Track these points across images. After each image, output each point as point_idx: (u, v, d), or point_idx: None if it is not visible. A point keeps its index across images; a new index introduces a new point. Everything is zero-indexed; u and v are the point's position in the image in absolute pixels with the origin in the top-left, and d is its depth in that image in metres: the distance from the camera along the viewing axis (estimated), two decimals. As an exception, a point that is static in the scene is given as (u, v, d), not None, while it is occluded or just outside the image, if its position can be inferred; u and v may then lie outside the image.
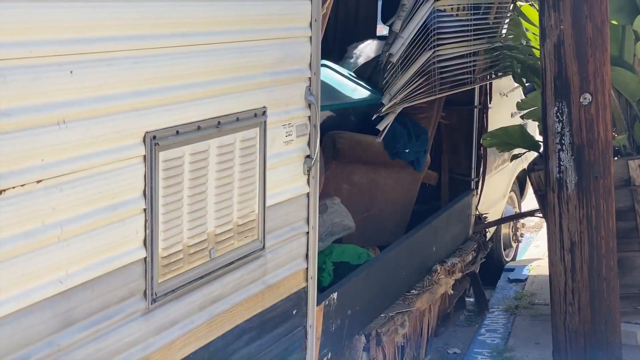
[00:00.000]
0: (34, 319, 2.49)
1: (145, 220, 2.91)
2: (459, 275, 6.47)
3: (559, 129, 5.45)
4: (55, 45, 2.48)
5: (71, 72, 2.53)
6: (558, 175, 5.50)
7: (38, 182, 2.44)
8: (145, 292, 2.93)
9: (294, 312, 3.94)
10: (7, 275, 2.39)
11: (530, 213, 8.33)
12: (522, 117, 7.31)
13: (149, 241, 2.93)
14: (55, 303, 2.56)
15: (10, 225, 2.38)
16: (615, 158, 5.87)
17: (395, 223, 6.20)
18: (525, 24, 7.17)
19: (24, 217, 2.42)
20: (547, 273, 6.03)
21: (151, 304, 2.96)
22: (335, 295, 4.54)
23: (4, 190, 2.33)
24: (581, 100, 5.38)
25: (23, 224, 2.42)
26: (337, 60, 5.99)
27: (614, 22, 5.97)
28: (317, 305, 4.15)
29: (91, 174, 2.66)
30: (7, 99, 2.33)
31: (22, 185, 2.39)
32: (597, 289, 5.50)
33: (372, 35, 6.97)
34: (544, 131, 5.79)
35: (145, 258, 2.92)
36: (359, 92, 5.49)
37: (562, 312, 5.59)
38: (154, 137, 2.89)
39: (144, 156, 2.87)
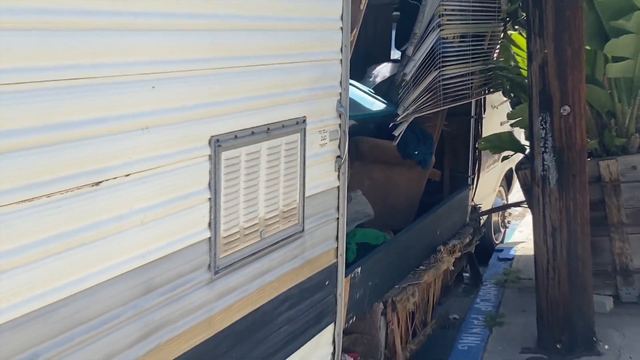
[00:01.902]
0: (122, 286, 2.51)
1: (210, 207, 2.92)
2: (458, 254, 6.44)
3: (543, 135, 5.46)
4: (140, 66, 2.50)
5: (153, 87, 2.56)
6: (542, 173, 5.50)
7: (127, 175, 2.47)
8: (209, 265, 2.94)
9: (326, 283, 3.93)
10: (103, 250, 2.41)
11: (517, 204, 8.28)
12: (511, 125, 7.28)
13: (213, 224, 2.93)
14: (138, 274, 2.58)
15: (105, 211, 2.40)
16: (589, 159, 5.85)
17: (406, 211, 6.18)
18: (514, 48, 7.14)
19: (115, 204, 2.44)
20: (531, 253, 6.03)
21: (214, 275, 2.97)
22: (358, 269, 4.54)
23: (100, 182, 2.35)
24: (561, 111, 5.38)
25: (115, 209, 2.44)
26: (359, 79, 5.98)
27: (588, 47, 5.94)
28: (345, 278, 4.14)
29: (167, 170, 2.68)
30: (103, 109, 2.35)
31: (114, 178, 2.41)
32: (574, 267, 5.50)
33: (387, 58, 6.95)
34: (530, 136, 5.80)
35: (209, 238, 2.93)
36: (377, 105, 5.47)
37: (545, 285, 5.59)
38: (217, 140, 2.90)
39: (209, 155, 2.88)
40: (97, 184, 2.35)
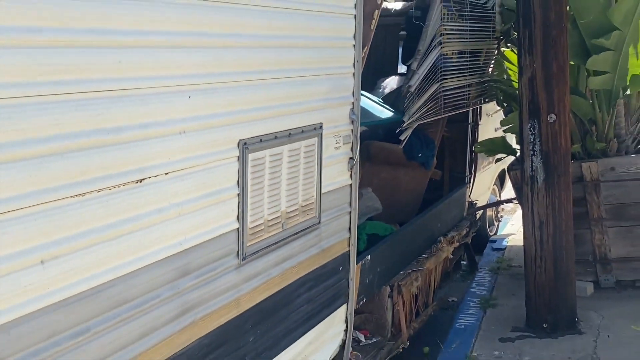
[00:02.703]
0: (162, 270, 2.53)
1: (238, 202, 2.93)
2: (456, 244, 6.45)
3: (532, 140, 5.44)
4: (178, 79, 2.52)
5: (189, 97, 2.57)
6: (531, 173, 5.49)
7: (166, 174, 2.48)
8: (237, 252, 2.95)
9: (340, 269, 3.93)
10: (145, 239, 2.43)
11: (509, 200, 8.26)
12: (503, 131, 7.26)
13: (241, 216, 2.94)
14: (176, 259, 2.59)
15: (148, 204, 2.42)
16: (573, 161, 5.83)
17: (411, 207, 6.18)
18: (506, 63, 7.12)
19: (156, 198, 2.46)
20: (521, 244, 6.02)
21: (242, 261, 2.98)
22: (368, 257, 4.55)
23: (143, 179, 2.37)
24: (548, 119, 5.37)
25: (155, 203, 2.46)
26: (369, 90, 5.99)
27: (572, 62, 5.92)
28: (356, 264, 4.14)
29: (201, 169, 2.68)
30: (146, 116, 2.37)
31: (156, 176, 2.43)
32: (559, 256, 5.49)
33: (394, 72, 6.94)
34: (520, 141, 5.79)
35: (238, 228, 2.93)
36: (385, 113, 5.47)
37: (533, 272, 5.58)
38: (245, 143, 2.91)
39: (238, 157, 2.89)
40: (141, 181, 2.37)
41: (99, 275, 2.24)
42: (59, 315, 2.12)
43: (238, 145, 2.89)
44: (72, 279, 2.14)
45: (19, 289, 1.96)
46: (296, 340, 3.51)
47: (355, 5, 3.74)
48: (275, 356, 3.33)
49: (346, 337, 4.08)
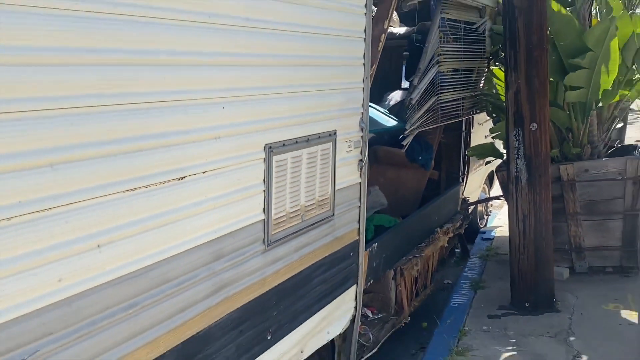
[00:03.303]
0: (199, 254, 2.54)
1: (264, 197, 2.92)
2: (451, 234, 6.40)
3: (517, 145, 5.43)
4: (214, 93, 2.53)
5: (223, 108, 2.58)
6: (515, 174, 5.48)
7: (203, 172, 2.49)
8: (263, 239, 2.96)
9: (351, 254, 3.92)
10: (184, 228, 2.44)
11: (497, 197, 8.21)
12: (492, 137, 7.24)
13: (266, 209, 2.94)
14: (211, 245, 2.60)
15: (186, 198, 2.43)
16: (552, 164, 5.81)
17: (412, 202, 6.15)
18: (495, 79, 7.08)
19: (194, 193, 2.47)
20: (507, 235, 6.00)
21: (267, 247, 2.99)
22: (375, 245, 4.52)
23: (184, 177, 2.38)
24: (531, 127, 5.35)
25: (194, 198, 2.47)
26: (377, 102, 5.99)
27: (551, 79, 5.90)
28: (364, 251, 4.14)
29: (233, 169, 2.69)
30: (186, 123, 2.38)
31: (194, 175, 2.44)
32: (539, 245, 5.47)
33: (398, 87, 6.93)
34: (506, 146, 5.76)
35: (264, 219, 2.94)
36: (390, 122, 5.46)
37: (517, 259, 5.57)
38: (270, 147, 2.92)
39: (264, 158, 2.89)
40: (182, 178, 2.38)
41: (147, 258, 2.26)
42: (114, 290, 2.14)
43: (264, 149, 2.89)
44: (125, 260, 2.17)
45: (80, 268, 2.00)
46: (313, 315, 3.50)
47: (365, 30, 3.73)
48: (295, 329, 3.32)
49: (356, 312, 4.08)
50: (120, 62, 2.07)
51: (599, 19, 6.43)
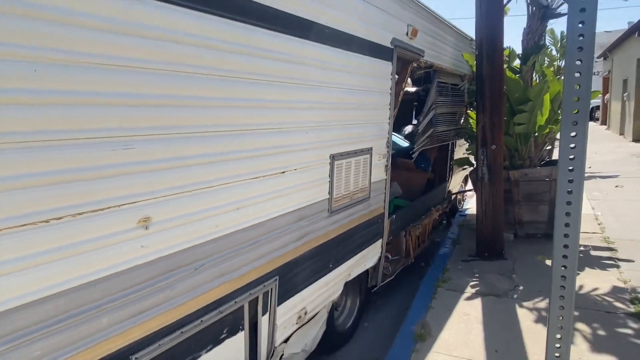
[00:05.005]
0: (291, 217, 2.45)
1: (329, 185, 2.88)
2: (440, 212, 6.31)
3: (482, 158, 5.31)
4: (303, 124, 2.47)
5: (307, 132, 2.54)
6: (481, 176, 5.36)
7: (295, 170, 2.46)
8: (328, 209, 2.91)
9: (379, 221, 3.84)
10: (283, 202, 2.38)
11: (469, 190, 8.04)
12: (468, 153, 7.09)
13: (330, 192, 2.90)
14: (298, 211, 2.53)
15: (287, 184, 2.41)
16: (504, 170, 5.65)
17: (417, 192, 6.08)
18: (470, 118, 6.95)
19: (290, 182, 2.43)
20: (474, 213, 5.88)
21: (330, 214, 2.93)
22: (394, 216, 4.42)
23: (284, 172, 2.37)
24: (491, 147, 5.23)
25: (289, 184, 2.43)
26: (397, 131, 5.98)
27: (505, 118, 5.73)
28: (387, 219, 4.07)
29: (312, 168, 2.66)
30: (286, 140, 2.32)
31: (291, 170, 2.42)
32: (495, 219, 5.34)
33: (410, 122, 6.90)
34: (476, 159, 5.64)
35: (328, 198, 2.89)
36: (405, 144, 5.48)
37: (481, 227, 5.43)
38: (333, 156, 2.88)
39: (330, 162, 2.85)
40: (283, 172, 2.39)
41: (266, 216, 2.29)
42: (249, 233, 2.12)
43: (330, 157, 2.85)
44: (254, 216, 2.16)
45: (228, 220, 1.99)
46: (356, 254, 3.46)
47: (391, 88, 3.68)
48: (345, 261, 3.29)
49: (381, 255, 4.03)
50: (264, 106, 2.09)
51: (537, 81, 6.20)
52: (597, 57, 20.29)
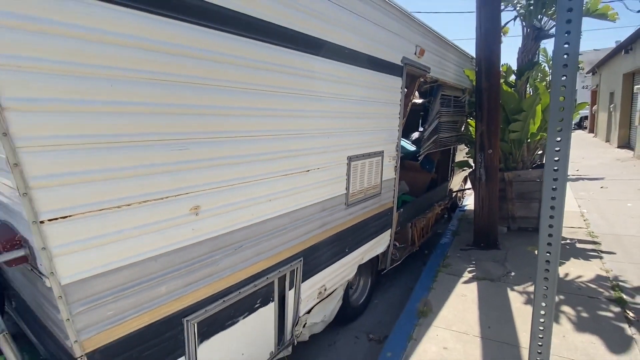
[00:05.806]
0: (315, 208, 2.50)
1: (346, 182, 2.82)
2: (442, 207, 6.26)
3: (480, 161, 5.24)
4: (324, 130, 2.42)
5: (328, 137, 2.52)
6: (479, 177, 5.29)
7: (317, 169, 2.47)
8: (345, 202, 2.84)
9: (388, 214, 3.66)
10: (308, 194, 2.40)
11: (468, 189, 7.93)
12: (467, 157, 6.98)
13: (347, 188, 2.84)
14: (320, 203, 2.55)
15: (310, 181, 2.39)
16: (500, 172, 5.56)
17: (421, 189, 6.07)
18: (470, 126, 6.85)
19: (313, 179, 2.43)
20: (472, 209, 5.80)
21: (347, 206, 2.87)
22: (402, 210, 4.34)
23: (308, 170, 2.38)
24: (488, 152, 5.15)
25: (313, 180, 2.43)
26: (405, 137, 5.94)
27: (501, 126, 5.64)
28: (395, 212, 3.99)
29: (332, 167, 2.63)
30: (310, 144, 2.32)
31: (314, 169, 2.45)
32: (490, 214, 5.26)
33: (417, 130, 6.84)
34: (474, 162, 5.57)
35: (346, 193, 2.83)
36: (412, 148, 5.45)
37: (478, 221, 5.36)
38: (350, 157, 2.82)
39: (347, 163, 2.79)
40: (307, 171, 2.39)
41: (294, 207, 2.31)
42: (291, 217, 2.19)
43: (347, 158, 2.79)
44: (289, 205, 2.23)
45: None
46: (369, 242, 3.37)
47: (401, 99, 3.56)
48: (359, 247, 3.20)
49: (390, 242, 3.88)
50: (293, 115, 2.13)
51: (530, 94, 6.06)
52: (587, 73, 19.54)
